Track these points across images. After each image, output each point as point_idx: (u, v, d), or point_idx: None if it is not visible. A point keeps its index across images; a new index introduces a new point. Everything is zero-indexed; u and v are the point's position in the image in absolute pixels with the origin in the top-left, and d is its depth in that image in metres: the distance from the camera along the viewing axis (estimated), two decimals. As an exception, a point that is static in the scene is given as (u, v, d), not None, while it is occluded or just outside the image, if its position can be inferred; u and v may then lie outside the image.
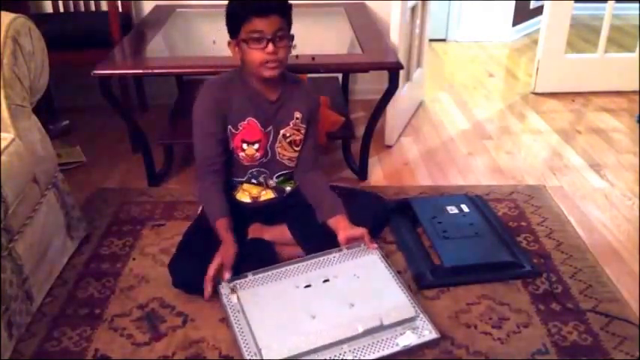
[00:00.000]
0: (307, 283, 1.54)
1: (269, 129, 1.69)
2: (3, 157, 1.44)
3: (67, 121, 2.74)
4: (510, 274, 1.69)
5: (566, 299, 1.60)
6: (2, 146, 1.46)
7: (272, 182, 1.78)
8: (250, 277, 1.56)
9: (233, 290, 1.52)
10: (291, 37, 1.62)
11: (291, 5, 1.60)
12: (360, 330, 1.41)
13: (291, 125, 1.71)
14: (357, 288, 1.54)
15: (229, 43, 1.62)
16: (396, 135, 2.62)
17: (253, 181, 1.76)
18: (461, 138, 2.68)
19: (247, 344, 1.39)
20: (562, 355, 1.42)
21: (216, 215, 1.64)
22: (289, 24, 1.61)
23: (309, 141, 1.78)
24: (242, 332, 1.42)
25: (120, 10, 2.62)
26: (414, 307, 1.50)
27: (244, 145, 1.68)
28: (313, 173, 1.80)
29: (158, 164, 2.30)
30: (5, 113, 1.55)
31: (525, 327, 1.51)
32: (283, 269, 1.59)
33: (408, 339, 1.44)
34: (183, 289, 1.61)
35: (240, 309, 1.47)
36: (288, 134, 1.72)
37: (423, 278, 1.68)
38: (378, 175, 2.34)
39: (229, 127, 1.67)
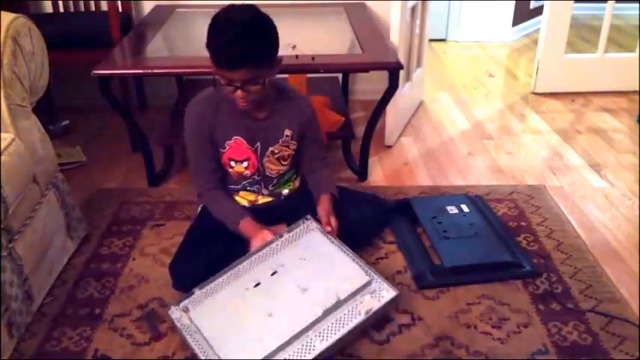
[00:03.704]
0: (256, 282, 1.50)
1: (256, 145, 1.67)
2: (3, 157, 1.44)
3: (67, 121, 2.74)
4: (510, 274, 1.69)
5: (566, 299, 1.60)
6: (2, 146, 1.46)
7: (266, 191, 1.78)
8: (197, 292, 1.50)
9: (185, 311, 1.46)
10: (278, 63, 1.54)
11: (273, 42, 1.49)
12: (320, 312, 1.41)
13: (280, 143, 1.68)
14: (306, 271, 1.52)
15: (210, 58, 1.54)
16: (396, 135, 2.62)
17: (248, 188, 1.76)
18: (461, 138, 2.68)
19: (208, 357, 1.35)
20: (562, 355, 1.42)
21: (236, 218, 1.65)
22: (268, 65, 1.50)
23: (312, 149, 1.76)
24: (204, 352, 1.36)
25: (120, 10, 2.62)
26: (365, 272, 1.51)
27: (232, 163, 1.67)
28: (320, 170, 1.80)
29: (158, 164, 2.30)
30: (5, 113, 1.55)
31: (525, 327, 1.51)
32: (229, 273, 1.53)
33: (369, 304, 1.46)
34: (184, 291, 1.60)
35: (196, 329, 1.41)
36: (277, 151, 1.69)
37: (423, 278, 1.68)
38: (378, 175, 2.34)
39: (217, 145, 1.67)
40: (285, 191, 1.79)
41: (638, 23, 3.74)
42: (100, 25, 2.52)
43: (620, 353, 1.43)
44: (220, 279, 1.53)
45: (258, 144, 1.67)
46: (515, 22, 4.20)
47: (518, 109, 3.02)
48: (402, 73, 2.12)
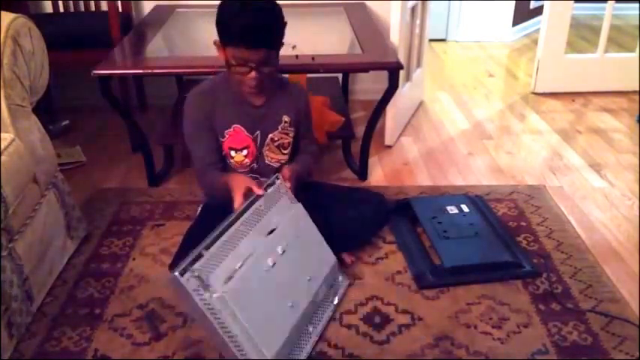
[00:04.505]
0: (273, 261, 1.40)
1: (256, 133, 1.68)
2: (3, 157, 1.43)
3: (67, 121, 2.74)
4: (510, 274, 1.69)
5: (566, 299, 1.60)
6: (2, 146, 1.46)
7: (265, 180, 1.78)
8: (205, 253, 1.29)
9: (199, 278, 1.24)
10: (280, 47, 1.58)
11: (284, 25, 1.54)
12: (318, 301, 1.49)
13: (280, 129, 1.70)
14: (304, 255, 1.52)
15: (215, 42, 1.58)
16: (396, 135, 2.62)
17: None
18: (461, 138, 2.68)
19: (239, 345, 1.26)
20: (562, 355, 1.42)
21: (221, 175, 1.63)
22: (279, 48, 1.57)
23: (304, 137, 1.78)
24: (228, 332, 1.25)
25: (120, 10, 2.62)
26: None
27: (232, 152, 1.68)
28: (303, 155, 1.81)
29: (158, 164, 2.30)
30: (5, 113, 1.55)
31: (525, 327, 1.51)
32: (232, 233, 1.37)
33: (336, 294, 1.58)
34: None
35: (226, 307, 1.25)
36: (276, 138, 1.71)
37: (423, 278, 1.68)
38: (378, 175, 2.34)
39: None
40: None
41: (638, 23, 3.74)
42: (100, 25, 2.52)
43: (620, 353, 1.43)
44: (225, 237, 1.35)
45: (258, 132, 1.68)
46: (515, 22, 4.20)
47: (518, 109, 3.02)
48: (402, 73, 2.12)
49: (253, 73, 1.52)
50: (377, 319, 1.54)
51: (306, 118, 1.79)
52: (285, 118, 1.70)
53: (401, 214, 1.97)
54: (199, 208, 1.85)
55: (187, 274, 1.22)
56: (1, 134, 1.51)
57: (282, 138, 1.71)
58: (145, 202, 2.11)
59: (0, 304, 1.37)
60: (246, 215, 1.44)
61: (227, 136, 1.66)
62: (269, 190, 1.54)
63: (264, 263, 1.39)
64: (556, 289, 1.64)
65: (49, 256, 1.65)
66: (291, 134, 1.73)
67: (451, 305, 1.59)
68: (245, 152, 1.68)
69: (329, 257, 1.61)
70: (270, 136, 1.70)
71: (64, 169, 1.95)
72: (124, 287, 1.67)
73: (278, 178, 1.60)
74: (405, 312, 1.57)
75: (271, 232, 1.47)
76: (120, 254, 1.82)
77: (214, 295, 1.24)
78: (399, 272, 1.73)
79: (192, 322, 1.49)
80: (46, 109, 2.52)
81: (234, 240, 1.37)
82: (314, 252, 1.56)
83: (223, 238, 1.35)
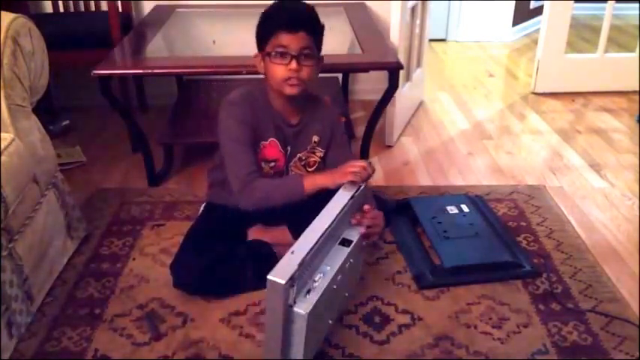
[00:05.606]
0: (339, 280, 1.33)
1: (287, 149, 1.68)
2: (3, 157, 1.43)
3: (67, 121, 2.74)
4: (510, 274, 1.69)
5: (566, 299, 1.60)
6: (2, 146, 1.46)
7: None
8: (307, 260, 1.20)
9: (293, 288, 1.17)
10: (320, 59, 1.58)
11: (323, 26, 1.57)
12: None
13: (308, 149, 1.70)
14: (353, 273, 1.49)
15: (255, 56, 1.59)
16: (396, 135, 2.62)
17: None
18: (461, 138, 2.68)
19: (287, 354, 1.26)
20: (562, 355, 1.42)
21: (296, 181, 1.56)
22: (319, 44, 1.57)
23: (341, 154, 1.71)
24: (287, 341, 1.24)
25: (120, 10, 2.62)
26: None
27: (262, 164, 1.66)
28: None
29: (158, 164, 2.30)
30: (5, 113, 1.55)
31: (525, 327, 1.51)
32: (321, 244, 1.28)
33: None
34: (184, 289, 1.61)
35: (300, 323, 1.20)
36: (303, 157, 1.71)
37: (423, 278, 1.68)
38: (378, 175, 2.34)
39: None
40: None
41: (638, 23, 3.75)
42: (100, 25, 2.52)
43: (620, 353, 1.43)
44: (317, 247, 1.25)
45: (289, 148, 1.68)
46: (515, 22, 4.20)
47: (518, 109, 3.02)
48: (402, 73, 2.12)
49: (294, 63, 1.49)
50: (377, 319, 1.54)
51: (339, 132, 1.75)
52: (315, 138, 1.69)
53: (401, 214, 1.97)
54: (201, 208, 1.85)
55: (288, 284, 1.14)
56: (1, 134, 1.51)
57: (308, 157, 1.71)
58: (145, 202, 2.11)
59: (0, 304, 1.37)
60: (340, 216, 1.34)
61: (262, 147, 1.64)
62: (361, 188, 1.46)
63: (336, 280, 1.31)
64: (556, 289, 1.64)
65: (49, 256, 1.65)
66: (319, 153, 1.72)
67: (451, 305, 1.59)
68: (272, 164, 1.67)
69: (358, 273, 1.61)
70: (299, 155, 1.69)
71: (64, 169, 1.95)
72: (124, 287, 1.67)
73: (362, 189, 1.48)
74: (405, 312, 1.57)
75: (344, 242, 1.39)
76: (120, 254, 1.82)
77: (296, 309, 1.19)
78: (399, 272, 1.73)
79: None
80: (46, 109, 2.51)
81: (321, 244, 1.28)
82: (357, 269, 1.54)
83: (319, 243, 1.25)
